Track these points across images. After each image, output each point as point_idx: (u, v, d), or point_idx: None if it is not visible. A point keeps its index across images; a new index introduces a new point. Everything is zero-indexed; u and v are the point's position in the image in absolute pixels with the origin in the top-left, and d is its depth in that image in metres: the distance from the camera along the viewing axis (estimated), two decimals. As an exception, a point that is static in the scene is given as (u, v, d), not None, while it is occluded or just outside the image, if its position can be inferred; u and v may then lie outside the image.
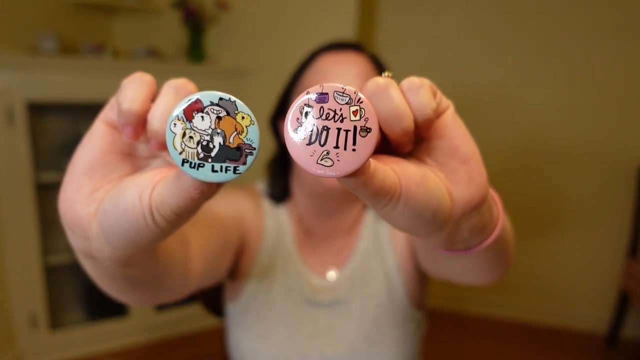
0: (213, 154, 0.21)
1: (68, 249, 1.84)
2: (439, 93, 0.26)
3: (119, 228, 0.23)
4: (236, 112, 0.21)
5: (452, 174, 0.26)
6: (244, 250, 0.69)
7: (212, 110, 0.21)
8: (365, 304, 0.69)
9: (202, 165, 0.21)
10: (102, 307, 1.93)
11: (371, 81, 0.23)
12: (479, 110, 2.17)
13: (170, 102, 0.23)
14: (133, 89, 0.24)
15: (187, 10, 1.89)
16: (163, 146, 0.24)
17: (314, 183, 0.65)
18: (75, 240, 0.27)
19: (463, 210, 0.26)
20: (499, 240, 0.33)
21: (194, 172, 0.21)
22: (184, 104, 0.21)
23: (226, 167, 0.21)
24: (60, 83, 1.65)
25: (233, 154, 0.21)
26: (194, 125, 0.21)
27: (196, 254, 0.46)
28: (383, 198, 0.22)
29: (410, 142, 0.25)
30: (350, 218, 0.72)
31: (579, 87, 2.02)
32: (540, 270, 2.19)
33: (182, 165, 0.21)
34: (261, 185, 0.76)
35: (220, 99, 0.21)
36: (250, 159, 0.21)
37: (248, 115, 0.21)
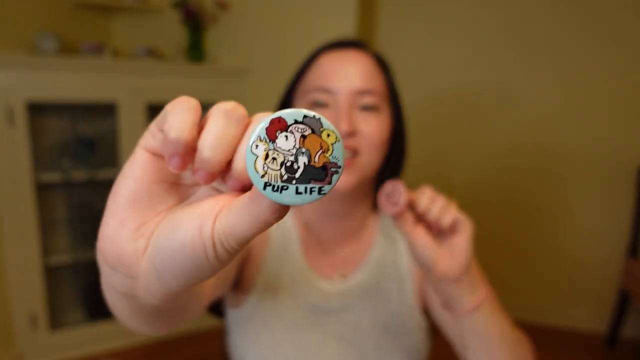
0: (297, 175, 0.20)
1: (68, 249, 1.84)
2: (456, 215, 0.53)
3: (174, 265, 0.22)
4: (321, 129, 0.20)
5: (445, 255, 0.53)
6: (248, 260, 0.68)
7: (296, 128, 0.20)
8: (378, 311, 0.68)
9: (285, 187, 0.20)
10: (102, 307, 1.92)
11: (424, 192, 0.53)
12: (479, 110, 2.17)
13: (221, 128, 0.21)
14: (179, 115, 0.22)
15: (187, 10, 1.89)
16: (212, 177, 0.22)
17: None
18: (115, 280, 0.25)
19: (438, 274, 0.52)
20: (482, 324, 0.55)
21: (276, 196, 0.20)
22: (265, 123, 0.20)
23: (311, 188, 0.20)
24: (60, 83, 1.64)
25: (318, 173, 0.20)
26: (278, 145, 0.20)
27: None
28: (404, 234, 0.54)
29: (426, 226, 0.54)
30: (355, 221, 0.70)
31: (579, 88, 2.02)
32: (539, 269, 2.19)
33: (264, 189, 0.20)
34: None
35: (305, 116, 0.20)
36: (335, 177, 0.20)
37: (333, 132, 0.20)
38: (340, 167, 0.20)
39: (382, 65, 0.67)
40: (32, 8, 1.74)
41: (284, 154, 0.20)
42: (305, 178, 0.20)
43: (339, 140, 0.20)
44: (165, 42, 2.06)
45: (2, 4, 1.61)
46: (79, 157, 1.81)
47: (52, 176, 1.72)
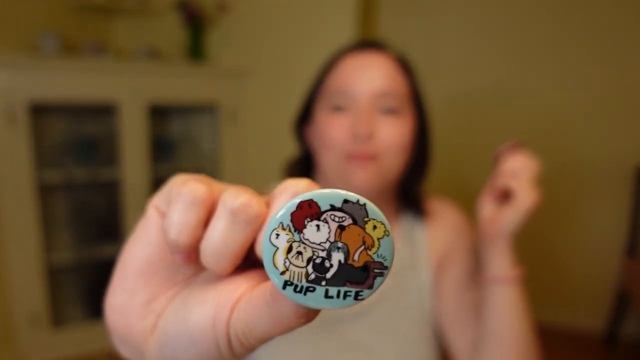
0: (329, 275, 0.16)
1: (69, 248, 1.85)
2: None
3: (183, 357, 0.19)
4: (366, 219, 0.16)
5: (491, 216, 0.57)
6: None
7: (332, 217, 0.16)
8: (397, 318, 0.67)
9: (312, 289, 0.16)
10: (104, 306, 1.93)
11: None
12: (479, 110, 2.18)
13: (224, 233, 0.18)
14: (180, 212, 0.19)
15: (188, 11, 1.90)
16: (225, 273, 0.19)
17: (343, 187, 0.61)
18: (124, 351, 0.22)
19: (479, 230, 0.57)
20: (513, 306, 0.58)
21: (299, 298, 0.16)
22: (292, 207, 0.16)
23: (345, 292, 0.16)
24: (62, 83, 1.65)
25: (357, 275, 0.16)
26: (306, 237, 0.16)
27: None
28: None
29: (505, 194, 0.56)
30: None
31: (578, 87, 2.03)
32: (537, 269, 2.20)
33: (284, 288, 0.16)
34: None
35: (345, 201, 0.16)
36: (378, 281, 0.16)
37: (382, 223, 0.16)
38: (386, 268, 0.16)
39: (405, 67, 0.65)
40: (33, 9, 1.75)
41: (313, 248, 0.16)
42: (339, 280, 0.16)
43: (388, 234, 0.16)
44: (166, 43, 2.07)
45: (3, 4, 1.62)
46: (80, 157, 1.82)
47: (54, 176, 1.73)
